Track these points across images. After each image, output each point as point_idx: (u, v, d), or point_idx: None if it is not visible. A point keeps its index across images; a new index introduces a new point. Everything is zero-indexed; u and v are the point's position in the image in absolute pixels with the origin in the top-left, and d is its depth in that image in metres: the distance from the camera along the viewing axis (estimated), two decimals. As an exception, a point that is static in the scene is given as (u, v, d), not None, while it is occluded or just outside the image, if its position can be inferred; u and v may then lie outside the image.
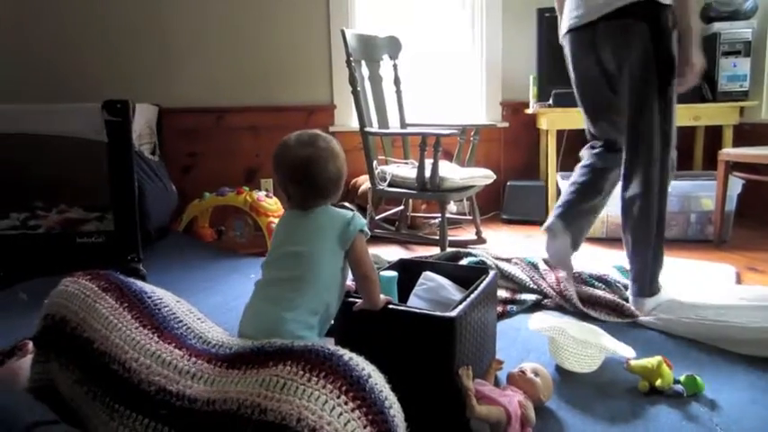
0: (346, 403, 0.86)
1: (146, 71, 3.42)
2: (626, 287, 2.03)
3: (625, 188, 1.88)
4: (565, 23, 1.92)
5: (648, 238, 1.85)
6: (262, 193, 2.95)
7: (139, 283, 1.26)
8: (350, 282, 1.35)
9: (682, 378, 1.42)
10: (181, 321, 1.17)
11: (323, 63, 3.59)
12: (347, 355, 0.94)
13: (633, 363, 1.46)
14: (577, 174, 2.06)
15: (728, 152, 2.85)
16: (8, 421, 0.76)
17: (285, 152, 1.28)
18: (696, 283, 2.16)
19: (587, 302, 1.96)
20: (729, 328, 1.70)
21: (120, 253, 2.34)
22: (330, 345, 1.02)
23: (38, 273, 2.22)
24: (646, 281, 1.89)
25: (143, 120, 2.88)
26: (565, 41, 1.96)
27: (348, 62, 2.76)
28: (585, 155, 2.10)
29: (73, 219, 2.71)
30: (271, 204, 2.90)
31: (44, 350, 1.17)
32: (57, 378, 1.13)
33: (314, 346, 0.96)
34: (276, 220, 2.82)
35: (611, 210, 2.87)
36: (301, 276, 1.20)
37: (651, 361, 1.44)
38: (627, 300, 1.96)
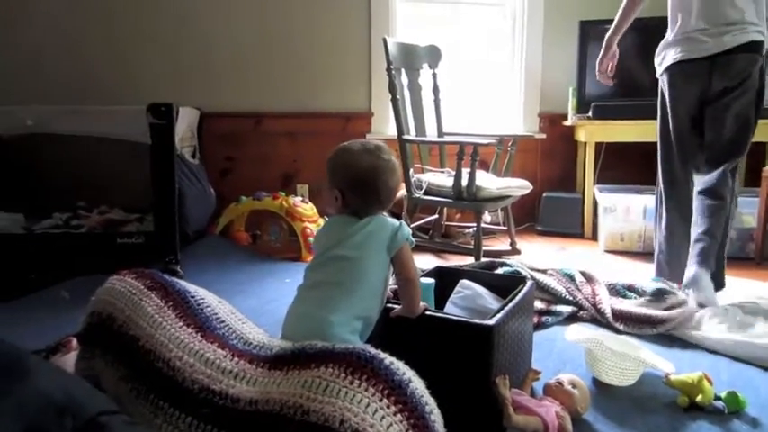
0: (388, 407, 0.87)
1: (188, 75, 3.50)
2: (660, 291, 2.01)
3: (705, 183, 2.14)
4: (671, 56, 2.17)
5: (720, 225, 2.08)
6: (298, 199, 2.99)
7: (183, 283, 1.29)
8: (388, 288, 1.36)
9: (723, 394, 1.39)
10: (223, 322, 1.19)
11: (362, 70, 3.62)
12: (388, 359, 0.95)
13: (673, 377, 1.44)
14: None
15: (772, 169, 2.81)
16: (74, 408, 0.78)
17: (348, 160, 1.28)
18: (737, 302, 2.10)
19: (619, 317, 1.94)
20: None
21: (158, 254, 2.39)
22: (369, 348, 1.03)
23: (79, 272, 2.29)
24: (710, 259, 2.04)
25: (185, 123, 2.94)
26: (667, 72, 2.21)
27: (389, 70, 2.78)
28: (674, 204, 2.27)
29: (114, 219, 2.79)
30: (306, 210, 2.93)
31: (89, 347, 1.20)
32: (101, 374, 1.16)
33: (355, 348, 0.97)
34: (311, 226, 2.86)
35: (649, 223, 2.85)
36: (348, 281, 1.21)
37: (692, 376, 1.41)
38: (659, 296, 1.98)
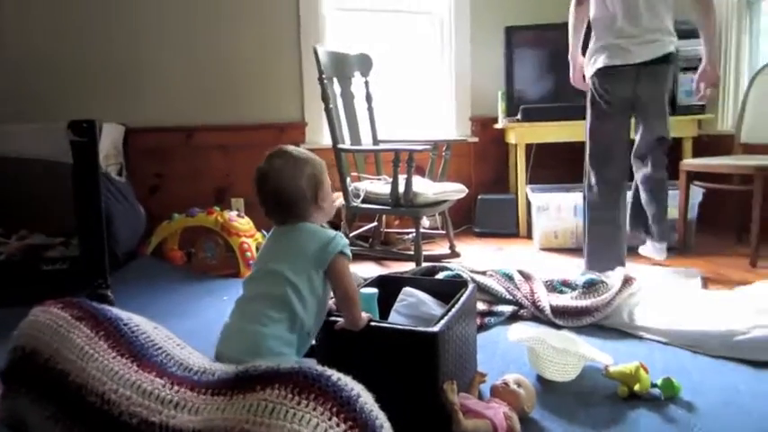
0: (338, 425, 0.85)
1: (112, 90, 3.34)
2: (592, 281, 2.10)
3: (649, 169, 2.44)
4: (601, 61, 2.36)
5: (666, 201, 2.48)
6: (233, 213, 2.91)
7: (114, 311, 1.23)
8: (331, 302, 1.34)
9: (659, 381, 1.44)
10: (160, 348, 1.14)
11: (293, 80, 3.59)
12: (335, 375, 0.93)
13: (611, 369, 1.49)
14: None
15: (689, 163, 3.00)
16: None
17: (257, 167, 1.30)
18: (665, 289, 2.22)
19: (557, 313, 2.00)
20: (699, 332, 1.76)
21: (86, 279, 2.26)
22: (315, 366, 1.01)
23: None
24: (665, 231, 2.47)
25: (109, 140, 2.82)
26: (596, 76, 2.40)
27: (321, 79, 2.76)
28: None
29: (36, 245, 2.63)
30: (243, 224, 2.86)
31: (13, 385, 1.12)
32: (27, 415, 1.08)
33: (301, 367, 0.95)
34: (248, 241, 2.79)
35: (580, 220, 2.97)
36: (278, 294, 1.19)
37: (629, 366, 1.46)
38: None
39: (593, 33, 2.42)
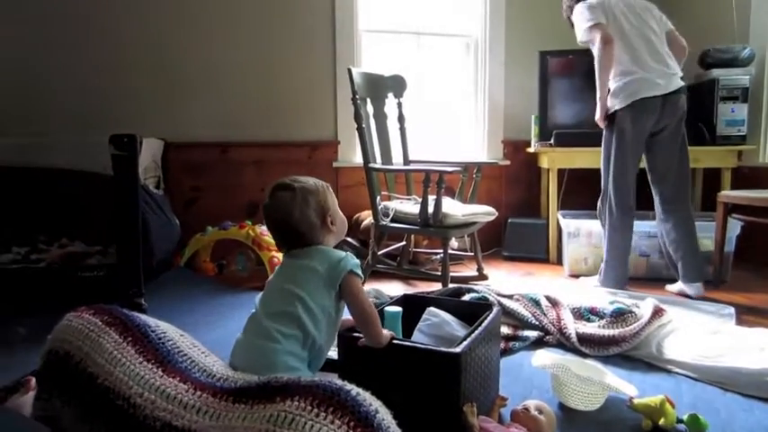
0: (355, 439, 0.86)
1: (152, 106, 3.46)
2: (620, 311, 2.06)
3: (675, 209, 2.67)
4: (627, 97, 2.56)
5: (696, 239, 2.68)
6: (264, 228, 2.96)
7: (143, 317, 1.26)
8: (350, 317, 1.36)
9: (685, 417, 1.41)
10: (185, 355, 1.17)
11: (328, 100, 3.67)
12: (354, 390, 0.94)
13: (636, 401, 1.46)
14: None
15: (727, 194, 2.91)
16: None
17: (264, 203, 1.37)
18: (696, 322, 2.16)
19: (584, 341, 1.97)
20: (730, 369, 1.71)
21: (121, 287, 2.33)
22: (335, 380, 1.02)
23: (39, 307, 2.22)
24: (699, 271, 2.65)
25: (149, 154, 2.91)
26: (630, 107, 2.57)
27: (354, 100, 2.81)
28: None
29: (75, 253, 2.71)
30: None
31: (46, 387, 1.16)
32: (60, 415, 1.12)
33: (321, 381, 0.96)
34: (279, 255, 2.84)
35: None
36: (289, 312, 1.24)
37: (654, 399, 1.43)
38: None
39: (615, 71, 2.59)
